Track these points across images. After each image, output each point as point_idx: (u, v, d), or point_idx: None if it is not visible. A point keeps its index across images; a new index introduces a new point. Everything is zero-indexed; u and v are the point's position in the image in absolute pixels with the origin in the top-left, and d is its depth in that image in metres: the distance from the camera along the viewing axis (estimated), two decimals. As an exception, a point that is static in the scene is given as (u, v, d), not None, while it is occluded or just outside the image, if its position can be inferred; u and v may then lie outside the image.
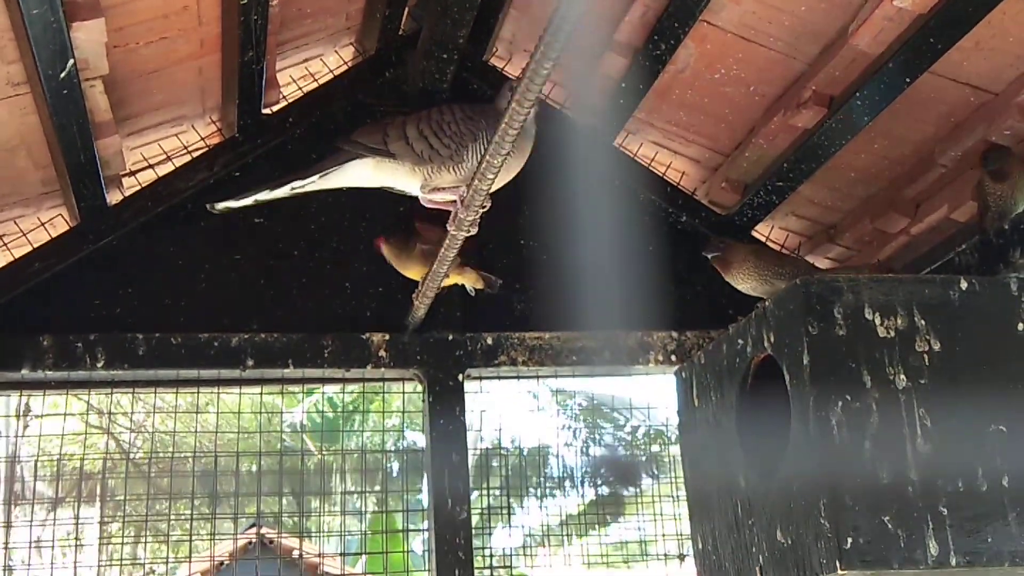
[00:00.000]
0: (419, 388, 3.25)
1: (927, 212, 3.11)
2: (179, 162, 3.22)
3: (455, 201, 2.46)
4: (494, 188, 2.29)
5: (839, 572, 2.19)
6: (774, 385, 2.47)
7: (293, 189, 2.68)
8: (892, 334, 2.35)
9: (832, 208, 3.37)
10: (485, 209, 2.41)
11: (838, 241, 3.44)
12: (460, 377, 3.15)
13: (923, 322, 2.37)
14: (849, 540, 2.19)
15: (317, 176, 2.64)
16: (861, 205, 3.33)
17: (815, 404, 2.30)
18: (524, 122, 1.97)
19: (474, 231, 2.49)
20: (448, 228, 2.49)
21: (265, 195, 2.69)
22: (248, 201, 2.70)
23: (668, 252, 3.29)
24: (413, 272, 2.97)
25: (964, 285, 2.41)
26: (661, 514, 4.24)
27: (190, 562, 6.56)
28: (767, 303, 2.55)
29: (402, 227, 3.03)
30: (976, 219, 2.89)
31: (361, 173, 2.65)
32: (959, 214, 3.03)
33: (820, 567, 2.25)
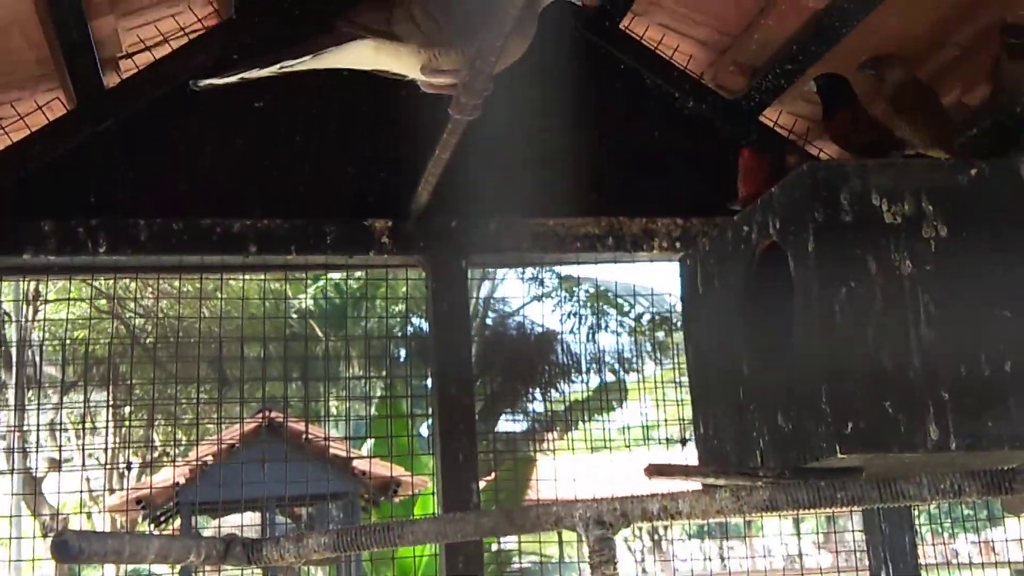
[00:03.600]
0: (422, 276, 3.24)
1: (939, 95, 3.05)
2: (176, 44, 3.16)
3: (455, 85, 2.40)
4: (496, 70, 2.23)
5: (839, 456, 2.21)
6: (779, 272, 2.46)
7: (282, 68, 2.57)
8: (899, 220, 2.32)
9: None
10: (488, 92, 2.35)
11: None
12: (463, 264, 3.13)
13: (931, 208, 2.34)
14: (850, 425, 2.20)
15: (310, 56, 2.53)
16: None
17: (819, 290, 2.29)
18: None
19: (477, 115, 2.44)
20: (450, 112, 2.44)
21: (253, 73, 2.58)
22: (234, 79, 2.58)
23: (674, 137, 3.24)
24: None
25: (973, 171, 2.38)
26: (664, 399, 4.29)
27: (197, 446, 6.67)
28: (773, 190, 2.52)
29: None
30: (989, 102, 2.84)
31: (359, 55, 2.56)
32: (971, 98, 2.97)
33: (820, 451, 2.26)
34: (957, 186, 2.36)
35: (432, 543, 2.70)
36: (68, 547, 1.34)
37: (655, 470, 2.78)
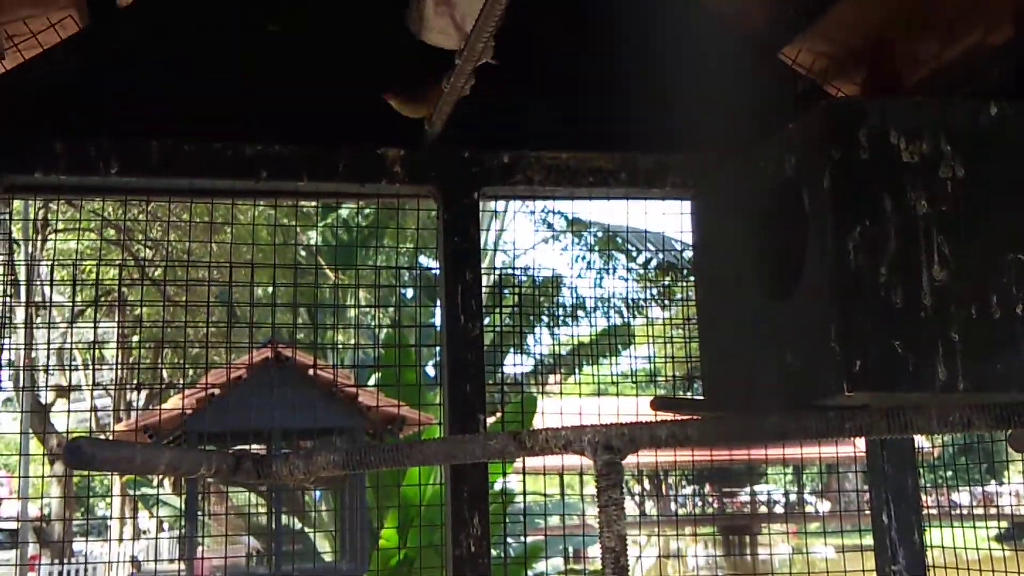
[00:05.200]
0: (433, 211, 3.23)
1: (961, 34, 3.01)
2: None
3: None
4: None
5: (846, 394, 2.21)
6: (793, 209, 2.45)
7: None
8: (916, 159, 2.31)
9: (863, 30, 3.26)
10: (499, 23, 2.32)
11: (867, 65, 3.34)
12: (475, 195, 3.12)
13: (949, 147, 2.32)
14: (858, 363, 2.20)
15: None
16: (893, 27, 3.22)
17: (833, 228, 2.28)
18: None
19: (487, 57, 2.43)
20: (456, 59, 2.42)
21: None
22: None
23: (690, 72, 3.20)
24: (415, 114, 2.90)
25: (994, 110, 2.35)
26: (672, 340, 4.31)
27: (206, 375, 6.70)
28: (790, 126, 2.50)
29: (409, 81, 2.93)
30: (1012, 41, 2.80)
31: None
32: (995, 37, 2.93)
33: (827, 389, 2.27)
34: (976, 126, 2.34)
35: (439, 464, 2.72)
36: (80, 452, 1.35)
37: (661, 403, 2.80)
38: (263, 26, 3.09)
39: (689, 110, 3.05)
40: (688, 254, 4.24)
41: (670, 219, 3.65)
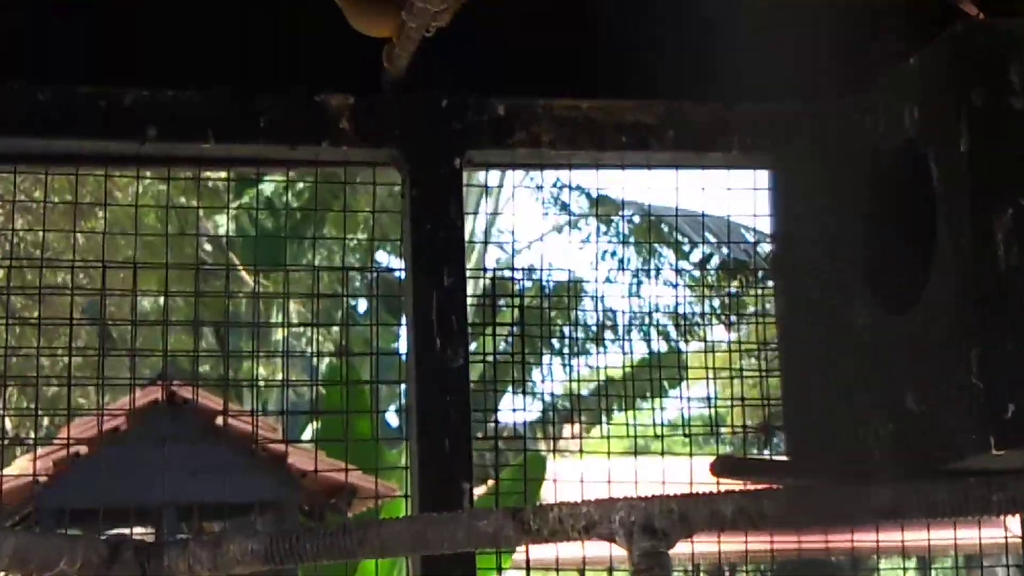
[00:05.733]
0: (396, 186, 3.24)
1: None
2: None
3: None
4: None
5: (993, 452, 2.22)
6: (915, 184, 2.46)
7: None
8: (1093, 108, 2.33)
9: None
10: None
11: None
12: (457, 162, 3.13)
13: None
14: (1010, 408, 2.21)
15: None
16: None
17: (973, 209, 2.30)
18: None
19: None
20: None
21: None
22: None
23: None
24: (374, 28, 2.90)
25: None
26: (741, 375, 4.31)
27: (68, 427, 6.69)
28: (910, 62, 2.51)
29: None
30: None
31: None
32: None
33: (965, 445, 2.27)
34: None
35: (405, 554, 2.73)
36: None
37: (726, 466, 2.81)
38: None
39: (761, 42, 3.06)
40: (765, 248, 4.25)
41: (737, 197, 3.65)
